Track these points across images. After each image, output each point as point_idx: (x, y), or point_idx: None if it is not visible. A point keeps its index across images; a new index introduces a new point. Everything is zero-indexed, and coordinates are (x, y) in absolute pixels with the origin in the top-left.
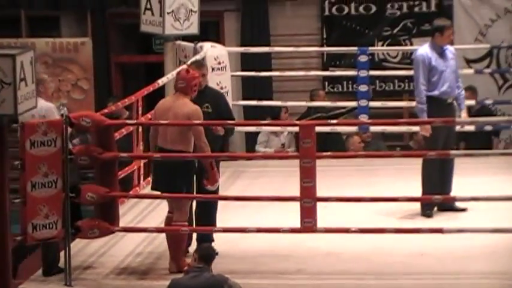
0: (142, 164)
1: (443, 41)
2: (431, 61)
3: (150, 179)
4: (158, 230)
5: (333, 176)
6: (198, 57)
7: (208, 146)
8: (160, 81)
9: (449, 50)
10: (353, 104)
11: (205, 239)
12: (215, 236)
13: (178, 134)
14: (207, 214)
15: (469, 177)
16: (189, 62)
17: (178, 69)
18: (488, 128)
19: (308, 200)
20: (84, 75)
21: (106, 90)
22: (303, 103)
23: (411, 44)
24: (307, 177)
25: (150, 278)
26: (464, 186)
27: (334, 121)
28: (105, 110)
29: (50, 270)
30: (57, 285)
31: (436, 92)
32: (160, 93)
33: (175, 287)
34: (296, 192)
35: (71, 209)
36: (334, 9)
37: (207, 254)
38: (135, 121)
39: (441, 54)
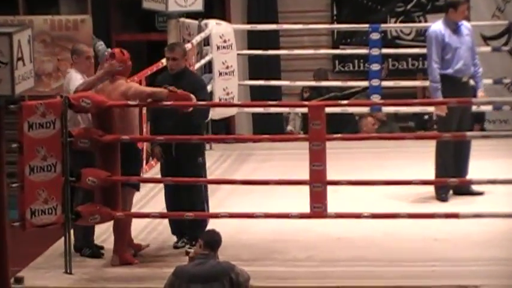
0: (145, 147)
1: (458, 17)
2: (444, 38)
3: (152, 163)
4: (162, 216)
5: (344, 159)
6: (202, 35)
7: (153, 88)
8: (164, 61)
9: (465, 26)
10: (365, 83)
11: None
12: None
13: (119, 121)
14: (189, 202)
15: (485, 159)
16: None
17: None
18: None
19: (318, 184)
20: None
21: None
22: (312, 83)
23: (425, 21)
24: (317, 160)
25: (153, 266)
26: (481, 169)
27: (345, 102)
28: None
29: (79, 246)
30: (57, 273)
31: (450, 70)
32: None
33: (180, 274)
34: (305, 176)
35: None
36: None
37: (212, 240)
38: (137, 102)
39: (455, 30)
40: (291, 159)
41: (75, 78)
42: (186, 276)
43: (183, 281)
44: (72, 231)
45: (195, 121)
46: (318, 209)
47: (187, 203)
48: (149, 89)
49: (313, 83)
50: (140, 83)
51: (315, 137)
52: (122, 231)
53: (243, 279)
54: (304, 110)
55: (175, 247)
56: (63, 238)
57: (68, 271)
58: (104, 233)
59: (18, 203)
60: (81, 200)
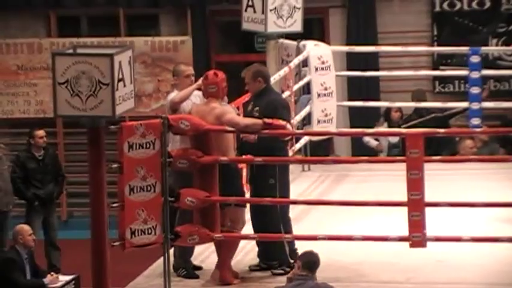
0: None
1: None
2: None
3: None
4: (260, 237)
5: (442, 180)
6: (300, 57)
7: (248, 120)
8: None
9: None
10: (465, 104)
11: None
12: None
13: (214, 142)
14: (263, 223)
15: None
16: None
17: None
18: None
19: (416, 213)
20: None
21: None
22: (412, 104)
23: None
24: (415, 189)
25: (251, 287)
26: None
27: (442, 130)
28: None
29: (176, 266)
30: None
31: None
32: None
33: None
34: (403, 197)
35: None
36: (445, 5)
37: (310, 261)
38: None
39: None
40: (389, 180)
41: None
42: None
43: None
44: (172, 251)
45: (273, 143)
46: (417, 238)
47: (260, 225)
48: (244, 122)
49: (412, 104)
50: (238, 109)
51: (412, 165)
52: (229, 248)
53: None
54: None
55: (250, 269)
56: (162, 258)
57: None
58: (202, 253)
59: (118, 223)
60: (177, 221)
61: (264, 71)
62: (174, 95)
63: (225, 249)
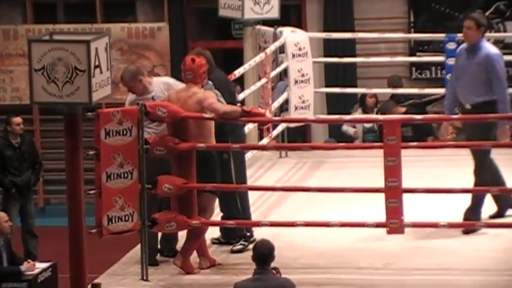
0: None
1: None
2: None
3: None
4: (237, 224)
5: (420, 167)
6: (277, 44)
7: (228, 107)
8: (237, 72)
9: None
10: (442, 90)
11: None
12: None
13: (195, 127)
14: (229, 206)
15: None
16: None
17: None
18: None
19: (393, 200)
20: (160, 61)
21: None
22: (389, 90)
23: (504, 28)
24: (392, 176)
25: (229, 273)
26: None
27: (419, 117)
28: None
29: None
30: (133, 280)
31: None
32: (240, 82)
33: None
34: (381, 183)
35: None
36: None
37: (261, 255)
38: (212, 116)
39: None
40: (366, 167)
41: (129, 99)
42: None
43: None
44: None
45: (227, 127)
46: (394, 224)
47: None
48: (224, 108)
49: (389, 90)
50: None
51: (390, 152)
52: (195, 236)
53: None
54: None
55: (212, 242)
56: (139, 245)
57: (144, 278)
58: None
59: (95, 210)
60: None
61: (203, 52)
62: (130, 97)
63: (192, 237)
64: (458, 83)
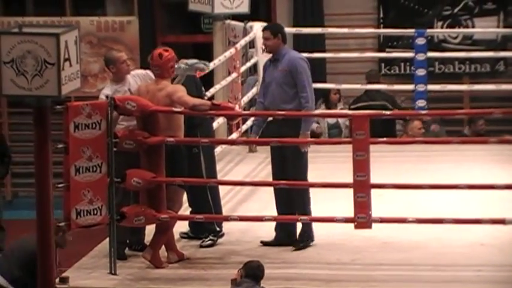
0: None
1: None
2: None
3: None
4: (206, 218)
5: (389, 162)
6: (247, 38)
7: (197, 100)
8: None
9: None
10: (410, 87)
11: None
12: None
13: (165, 121)
14: (199, 200)
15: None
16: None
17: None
18: None
19: (362, 194)
20: (129, 55)
21: None
22: (358, 86)
23: (473, 24)
24: (361, 170)
25: (197, 268)
26: None
27: (388, 112)
28: None
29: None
30: (102, 274)
31: None
32: (208, 76)
33: None
34: (350, 178)
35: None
36: None
37: (255, 274)
38: (181, 109)
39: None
40: (334, 162)
41: (104, 93)
42: None
43: None
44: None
45: (196, 121)
46: (362, 219)
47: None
48: (193, 101)
49: (358, 86)
50: None
51: (358, 147)
52: (163, 230)
53: None
54: None
55: (180, 236)
56: (108, 239)
57: (113, 272)
58: (149, 234)
59: (64, 203)
60: (120, 200)
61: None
62: (108, 89)
63: (161, 231)
64: (267, 93)
